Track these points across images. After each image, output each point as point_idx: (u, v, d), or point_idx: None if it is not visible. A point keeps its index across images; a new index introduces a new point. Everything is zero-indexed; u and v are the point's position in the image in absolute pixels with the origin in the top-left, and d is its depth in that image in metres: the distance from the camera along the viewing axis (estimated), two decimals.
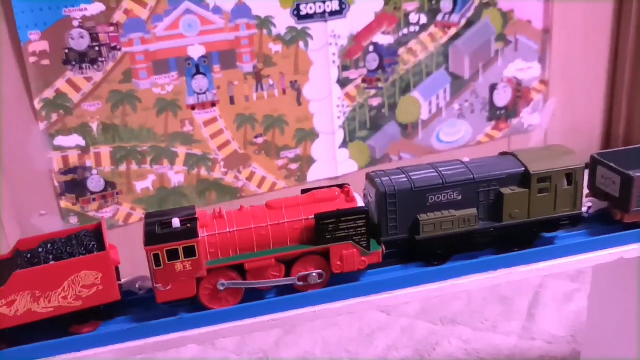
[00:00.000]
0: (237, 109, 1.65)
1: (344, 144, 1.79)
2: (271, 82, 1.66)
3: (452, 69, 1.84)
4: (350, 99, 1.76)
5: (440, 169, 0.87)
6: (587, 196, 0.95)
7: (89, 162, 1.56)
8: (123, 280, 0.82)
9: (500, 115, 1.94)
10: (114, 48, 1.50)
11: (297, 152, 1.75)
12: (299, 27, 1.64)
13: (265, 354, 1.41)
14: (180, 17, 1.53)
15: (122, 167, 1.59)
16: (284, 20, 1.62)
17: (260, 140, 1.70)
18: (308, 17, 1.64)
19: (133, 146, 1.58)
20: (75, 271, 0.75)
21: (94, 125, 1.53)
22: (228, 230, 0.79)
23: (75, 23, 1.44)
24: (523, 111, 1.97)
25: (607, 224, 0.94)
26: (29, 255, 0.78)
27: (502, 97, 1.93)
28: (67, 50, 1.46)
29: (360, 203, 0.84)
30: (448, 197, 0.86)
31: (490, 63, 1.88)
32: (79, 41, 1.46)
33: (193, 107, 1.61)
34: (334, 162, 1.80)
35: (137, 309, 0.83)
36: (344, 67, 1.72)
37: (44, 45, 1.44)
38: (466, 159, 0.91)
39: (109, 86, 1.51)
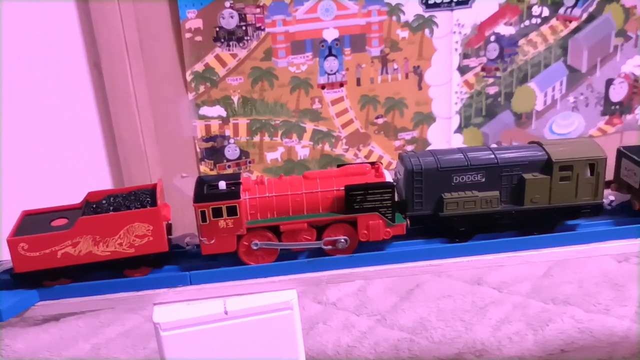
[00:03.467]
0: (362, 90, 1.76)
1: (459, 129, 1.87)
2: (395, 66, 1.76)
3: (570, 62, 1.88)
4: (469, 86, 1.83)
5: (468, 153, 0.93)
6: (611, 188, 0.97)
7: (228, 131, 1.71)
8: (173, 236, 0.92)
9: (614, 110, 1.96)
10: (259, 28, 1.64)
11: (413, 134, 1.84)
12: (426, 14, 1.73)
13: (382, 315, 1.51)
14: (319, 1, 1.65)
15: (256, 138, 1.73)
16: (412, 8, 1.71)
17: (380, 120, 1.81)
18: (435, 5, 1.72)
19: (267, 119, 1.72)
20: (129, 222, 0.85)
21: (235, 98, 1.68)
22: (267, 195, 0.88)
23: (227, 4, 1.59)
24: (638, 107, 1.97)
25: (630, 215, 0.96)
26: (94, 206, 0.89)
27: (618, 92, 1.95)
28: (217, 29, 1.61)
29: (389, 179, 0.90)
30: (472, 178, 0.91)
31: (609, 58, 1.90)
32: (229, 20, 1.61)
33: (323, 87, 1.73)
34: (448, 146, 1.88)
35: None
36: (465, 55, 1.80)
37: (198, 23, 1.60)
38: (494, 145, 0.95)
39: (251, 63, 1.66)
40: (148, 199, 0.89)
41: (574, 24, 1.84)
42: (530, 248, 0.92)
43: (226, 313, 0.86)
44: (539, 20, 1.81)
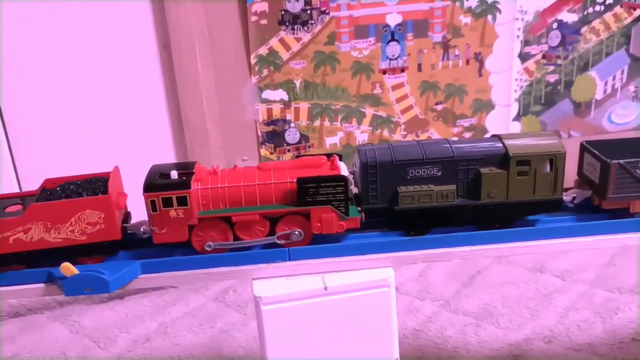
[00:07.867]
0: (423, 76, 1.76)
1: (517, 117, 1.86)
2: (457, 53, 1.75)
3: (633, 51, 1.85)
4: (529, 74, 1.82)
5: (424, 146, 0.92)
6: (573, 184, 0.96)
7: (289, 115, 1.71)
8: (129, 223, 0.92)
9: None
10: (323, 12, 1.64)
11: (472, 121, 1.83)
12: (490, 0, 1.71)
13: (446, 301, 1.51)
14: None
15: (317, 123, 1.73)
16: None
17: (440, 107, 1.80)
18: None
19: (328, 104, 1.72)
20: (80, 209, 0.85)
21: (297, 82, 1.68)
22: (219, 185, 0.88)
23: None
24: None
25: (593, 212, 0.94)
26: (48, 193, 0.90)
27: None
28: (283, 12, 1.61)
29: (344, 172, 0.90)
30: (428, 172, 0.91)
31: None
32: (295, 4, 1.61)
33: (384, 72, 1.73)
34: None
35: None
36: (526, 42, 1.78)
37: (264, 6, 1.60)
38: (454, 138, 0.93)
39: (315, 47, 1.66)
40: (101, 187, 0.89)
41: (638, 12, 1.81)
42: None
43: (326, 289, 0.87)
44: (602, 8, 1.79)
